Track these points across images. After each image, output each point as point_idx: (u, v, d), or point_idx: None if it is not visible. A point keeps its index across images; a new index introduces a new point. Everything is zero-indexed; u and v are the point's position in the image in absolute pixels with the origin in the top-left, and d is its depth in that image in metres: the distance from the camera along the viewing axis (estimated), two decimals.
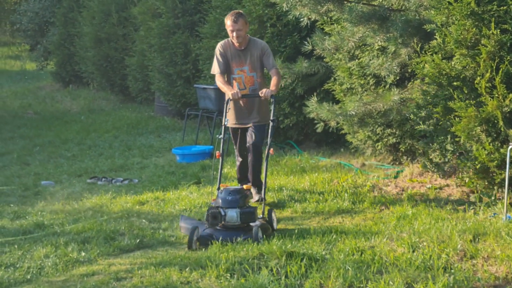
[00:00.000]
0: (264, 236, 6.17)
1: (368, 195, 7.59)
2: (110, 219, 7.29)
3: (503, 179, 6.37)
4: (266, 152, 7.02)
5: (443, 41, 6.76)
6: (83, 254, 6.11)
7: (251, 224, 6.31)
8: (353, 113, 7.97)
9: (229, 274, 5.27)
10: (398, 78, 8.16)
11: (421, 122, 7.27)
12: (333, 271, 5.10)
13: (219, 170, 7.07)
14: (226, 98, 7.33)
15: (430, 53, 6.93)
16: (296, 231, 6.44)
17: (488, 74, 6.37)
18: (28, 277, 5.66)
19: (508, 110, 6.33)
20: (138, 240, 6.46)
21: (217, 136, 7.46)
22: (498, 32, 6.31)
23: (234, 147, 7.83)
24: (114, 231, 6.76)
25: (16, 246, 6.45)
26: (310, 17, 8.03)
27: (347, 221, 6.84)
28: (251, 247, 5.78)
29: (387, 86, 8.22)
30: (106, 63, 17.78)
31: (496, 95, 6.35)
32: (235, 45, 7.44)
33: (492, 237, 5.54)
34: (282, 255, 5.44)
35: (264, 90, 7.18)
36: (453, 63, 6.71)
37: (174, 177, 9.31)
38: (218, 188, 6.82)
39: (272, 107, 7.19)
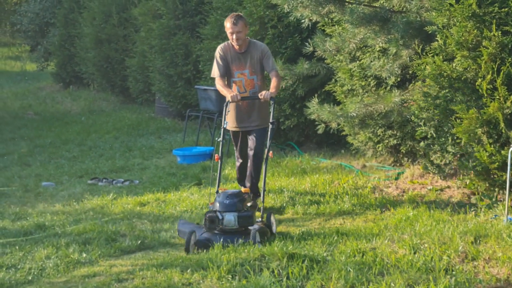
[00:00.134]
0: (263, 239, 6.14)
1: (369, 196, 7.59)
2: (111, 220, 7.29)
3: (504, 181, 6.37)
4: (265, 155, 7.00)
5: (444, 42, 6.76)
6: (84, 255, 6.12)
7: (249, 227, 6.25)
8: (354, 114, 7.97)
9: (230, 276, 5.26)
10: (399, 79, 8.16)
11: (422, 124, 7.27)
12: (335, 273, 5.10)
13: (218, 173, 7.02)
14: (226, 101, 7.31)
15: (431, 54, 6.93)
16: (297, 232, 6.44)
17: (489, 76, 6.37)
18: (29, 278, 5.66)
19: (509, 111, 6.33)
20: (139, 242, 6.47)
21: (216, 139, 7.45)
22: (499, 34, 6.32)
23: (235, 149, 7.82)
24: (115, 232, 6.77)
25: (17, 247, 6.46)
26: (311, 18, 8.03)
27: (348, 222, 6.85)
28: (252, 248, 5.77)
29: (388, 87, 8.23)
30: (106, 64, 17.79)
31: (497, 97, 6.35)
32: (235, 48, 7.41)
33: (493, 239, 5.54)
34: (283, 257, 5.44)
35: (263, 92, 7.16)
36: (454, 64, 6.71)
37: (175, 178, 9.31)
38: (217, 192, 6.79)
39: (271, 109, 7.18)
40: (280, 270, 5.29)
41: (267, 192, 7.90)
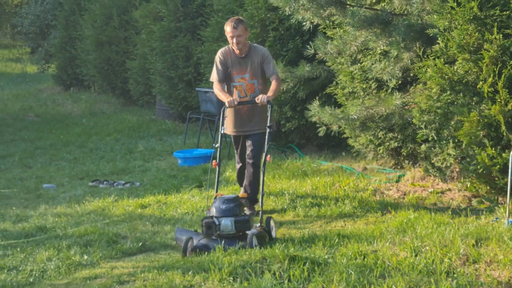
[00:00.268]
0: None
1: (370, 199, 7.59)
2: (112, 223, 7.30)
3: (505, 184, 6.37)
4: (263, 159, 6.96)
5: (446, 45, 6.77)
6: (85, 257, 6.12)
7: (247, 232, 6.17)
8: (355, 117, 7.97)
9: (232, 278, 5.26)
10: (400, 82, 8.16)
11: (423, 127, 7.28)
12: (336, 275, 5.10)
13: (216, 179, 6.98)
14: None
15: (433, 57, 6.93)
16: (298, 235, 6.44)
17: (490, 79, 6.38)
18: (31, 280, 5.67)
19: (511, 114, 6.34)
20: (140, 244, 6.46)
21: (213, 145, 7.42)
22: (501, 37, 6.32)
23: (235, 152, 7.81)
24: (116, 235, 6.77)
25: (18, 249, 6.45)
26: (312, 21, 8.03)
27: (349, 225, 6.85)
28: (253, 251, 5.78)
29: (389, 90, 8.23)
30: (107, 66, 17.80)
31: (499, 100, 6.36)
32: (235, 53, 7.39)
33: (494, 242, 5.54)
34: (284, 259, 5.44)
35: (260, 96, 7.13)
36: (455, 67, 6.71)
37: (176, 181, 9.32)
38: (215, 198, 6.73)
39: (268, 113, 7.13)
40: (282, 273, 5.29)
41: (267, 195, 7.91)
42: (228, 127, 7.47)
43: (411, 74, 7.86)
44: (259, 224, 6.43)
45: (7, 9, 34.46)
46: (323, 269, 5.31)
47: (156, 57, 14.36)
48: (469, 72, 6.62)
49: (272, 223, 6.48)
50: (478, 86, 6.54)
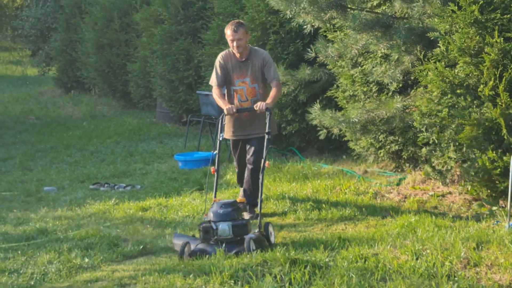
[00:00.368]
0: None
1: (371, 202, 7.59)
2: (113, 225, 7.30)
3: (506, 187, 6.37)
4: (262, 165, 6.90)
5: (447, 49, 6.78)
6: (86, 260, 6.11)
7: (244, 237, 6.08)
8: (356, 120, 7.98)
9: (233, 281, 5.26)
10: (401, 85, 8.17)
11: (424, 130, 7.28)
12: (337, 278, 5.11)
13: (215, 185, 6.94)
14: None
15: (434, 61, 6.94)
16: (299, 238, 6.44)
17: (491, 82, 6.39)
18: (32, 283, 5.67)
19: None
20: (141, 247, 6.46)
21: (212, 152, 7.39)
22: (502, 40, 6.33)
23: (234, 157, 7.77)
24: (117, 237, 6.76)
25: (19, 252, 6.45)
26: (313, 24, 8.04)
27: (350, 228, 6.85)
28: (254, 254, 5.77)
29: (390, 93, 8.23)
30: (108, 69, 17.80)
31: (500, 103, 6.36)
32: (236, 56, 7.35)
33: (495, 245, 5.54)
34: (285, 262, 5.44)
35: (258, 103, 7.09)
36: (456, 71, 6.72)
37: (177, 183, 9.32)
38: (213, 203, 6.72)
39: (267, 120, 7.07)
40: (283, 276, 5.29)
41: (268, 198, 7.91)
42: (227, 131, 7.43)
43: (412, 77, 7.87)
44: (257, 229, 6.37)
45: (7, 11, 34.49)
46: (324, 272, 5.31)
47: (157, 60, 14.37)
48: (470, 75, 6.63)
49: (270, 228, 6.38)
50: (479, 90, 6.55)
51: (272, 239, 6.35)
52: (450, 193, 7.63)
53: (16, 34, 29.89)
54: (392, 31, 7.51)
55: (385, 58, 8.10)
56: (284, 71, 9.37)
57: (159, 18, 14.51)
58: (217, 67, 7.38)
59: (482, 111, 6.52)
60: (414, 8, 7.34)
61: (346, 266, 5.36)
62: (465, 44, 6.53)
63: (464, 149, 6.84)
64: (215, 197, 6.85)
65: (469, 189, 7.18)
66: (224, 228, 6.10)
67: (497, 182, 6.67)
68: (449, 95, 6.81)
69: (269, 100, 7.17)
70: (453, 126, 6.80)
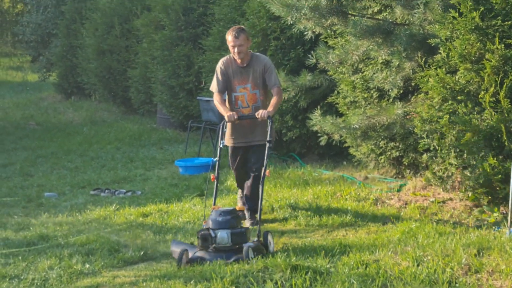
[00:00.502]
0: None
1: (371, 208, 7.59)
2: (113, 231, 7.29)
3: (507, 193, 6.38)
4: (262, 174, 6.86)
5: (447, 55, 6.79)
6: (87, 266, 6.11)
7: (243, 245, 6.04)
8: (357, 126, 7.99)
9: (234, 287, 5.27)
10: (401, 92, 8.17)
11: (424, 136, 7.28)
12: (338, 285, 5.11)
13: (214, 193, 6.93)
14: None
15: (434, 67, 6.95)
16: (300, 244, 6.44)
17: (492, 89, 6.40)
18: None
19: None
20: (142, 252, 6.46)
21: (213, 159, 7.37)
22: (503, 47, 6.35)
23: (231, 166, 7.66)
24: (118, 243, 6.76)
25: (20, 258, 6.45)
26: (314, 30, 8.05)
27: (350, 234, 6.85)
28: (255, 260, 5.77)
29: (391, 99, 8.24)
30: (108, 74, 17.80)
31: (500, 110, 6.37)
32: (237, 62, 7.31)
33: (496, 251, 5.54)
34: (286, 268, 5.44)
35: (260, 111, 7.05)
36: (457, 77, 6.73)
37: (177, 189, 9.32)
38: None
39: (268, 129, 7.04)
40: (284, 282, 5.29)
41: (269, 204, 7.90)
42: (228, 138, 7.39)
43: (413, 84, 7.88)
44: (256, 238, 6.34)
45: (8, 17, 34.52)
46: (325, 278, 5.31)
47: (157, 66, 14.38)
48: (471, 82, 6.64)
49: (270, 237, 6.31)
50: (479, 96, 6.56)
51: (271, 248, 6.29)
52: (450, 199, 7.62)
53: (16, 40, 29.93)
54: (393, 38, 7.52)
55: (386, 64, 8.11)
56: (284, 77, 9.38)
57: (160, 24, 14.53)
58: (218, 73, 7.36)
59: (482, 118, 6.53)
60: (415, 15, 7.35)
61: (347, 272, 5.36)
62: (466, 51, 6.54)
63: (465, 155, 6.84)
64: (214, 204, 6.83)
65: (469, 195, 7.18)
66: (223, 236, 6.08)
67: (497, 188, 6.67)
68: (450, 102, 6.82)
69: (270, 108, 7.12)
70: (454, 132, 6.80)
